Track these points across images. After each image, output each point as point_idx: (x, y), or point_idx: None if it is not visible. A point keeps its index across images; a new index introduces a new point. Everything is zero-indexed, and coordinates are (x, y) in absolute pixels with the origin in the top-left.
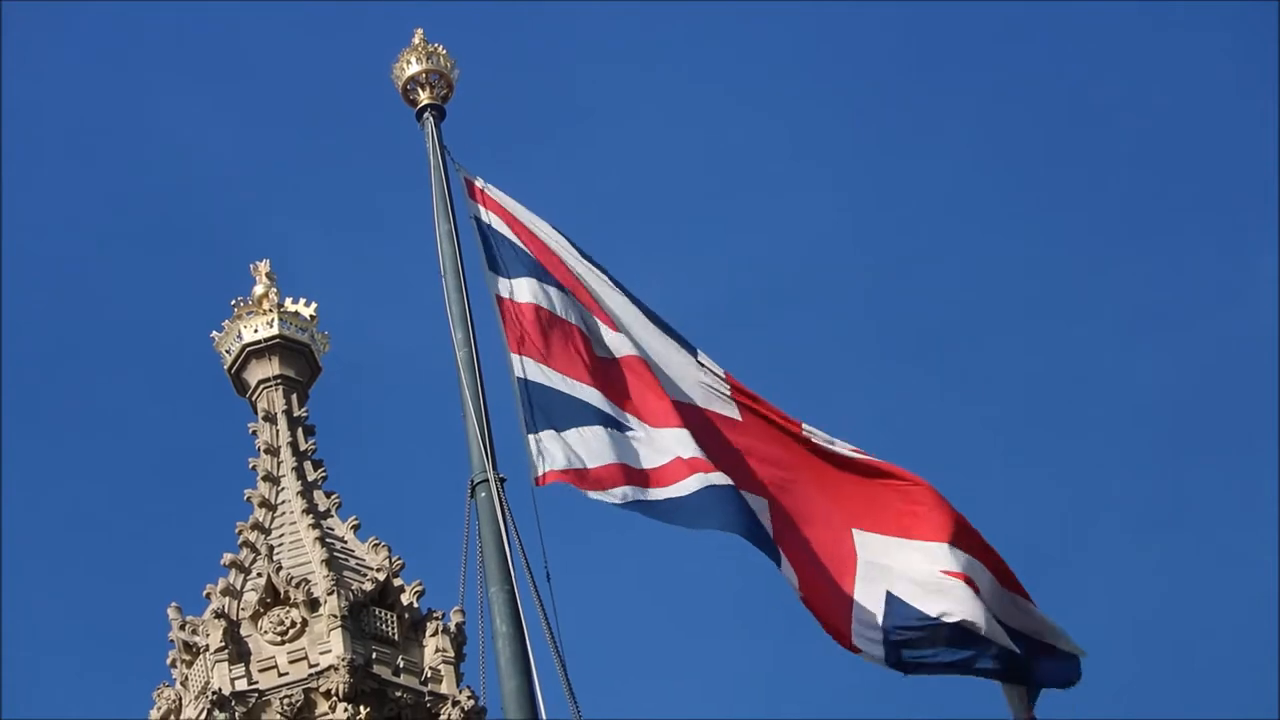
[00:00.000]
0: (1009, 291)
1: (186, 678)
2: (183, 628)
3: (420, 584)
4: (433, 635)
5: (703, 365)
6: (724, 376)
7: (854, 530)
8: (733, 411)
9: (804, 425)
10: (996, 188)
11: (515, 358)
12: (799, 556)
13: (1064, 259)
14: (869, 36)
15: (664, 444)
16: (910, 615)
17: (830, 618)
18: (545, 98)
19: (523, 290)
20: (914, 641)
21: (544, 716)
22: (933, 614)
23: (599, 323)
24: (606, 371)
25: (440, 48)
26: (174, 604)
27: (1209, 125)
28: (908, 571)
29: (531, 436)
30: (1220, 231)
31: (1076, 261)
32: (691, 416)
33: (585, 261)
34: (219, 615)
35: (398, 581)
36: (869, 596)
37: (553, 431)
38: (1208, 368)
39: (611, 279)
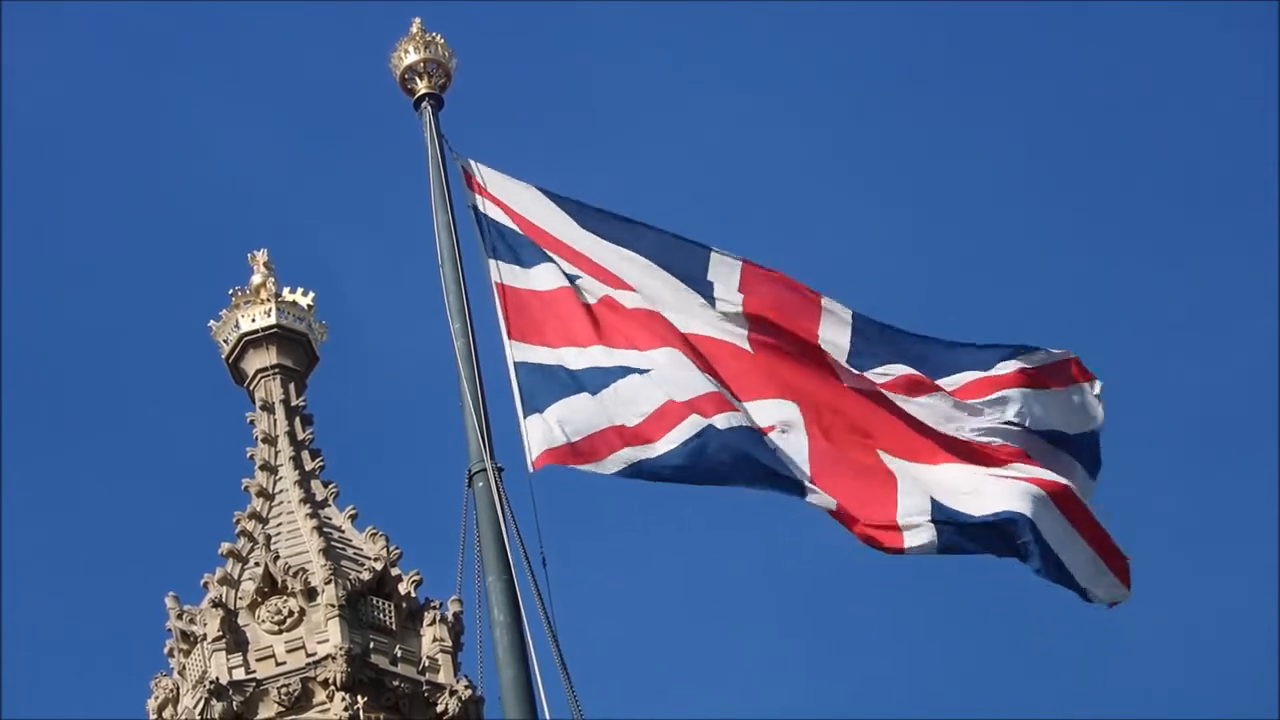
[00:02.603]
0: (1046, 298)
1: (184, 667)
2: (180, 617)
3: (418, 573)
4: (430, 625)
5: (716, 299)
6: (738, 280)
7: (879, 451)
8: (744, 342)
9: (822, 299)
10: (1032, 194)
11: (511, 343)
12: (831, 463)
13: (1099, 266)
14: (882, 37)
15: (677, 383)
16: (954, 514)
17: (874, 517)
18: (545, 88)
19: (520, 275)
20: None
21: (543, 706)
22: (975, 514)
23: (600, 283)
24: (613, 328)
25: (438, 37)
26: (171, 593)
27: (1240, 128)
28: (944, 483)
29: (525, 422)
30: (1255, 237)
31: (1113, 269)
32: (705, 348)
33: (582, 223)
34: (216, 604)
35: (395, 571)
36: (912, 494)
37: (543, 413)
38: (1247, 376)
39: (612, 221)
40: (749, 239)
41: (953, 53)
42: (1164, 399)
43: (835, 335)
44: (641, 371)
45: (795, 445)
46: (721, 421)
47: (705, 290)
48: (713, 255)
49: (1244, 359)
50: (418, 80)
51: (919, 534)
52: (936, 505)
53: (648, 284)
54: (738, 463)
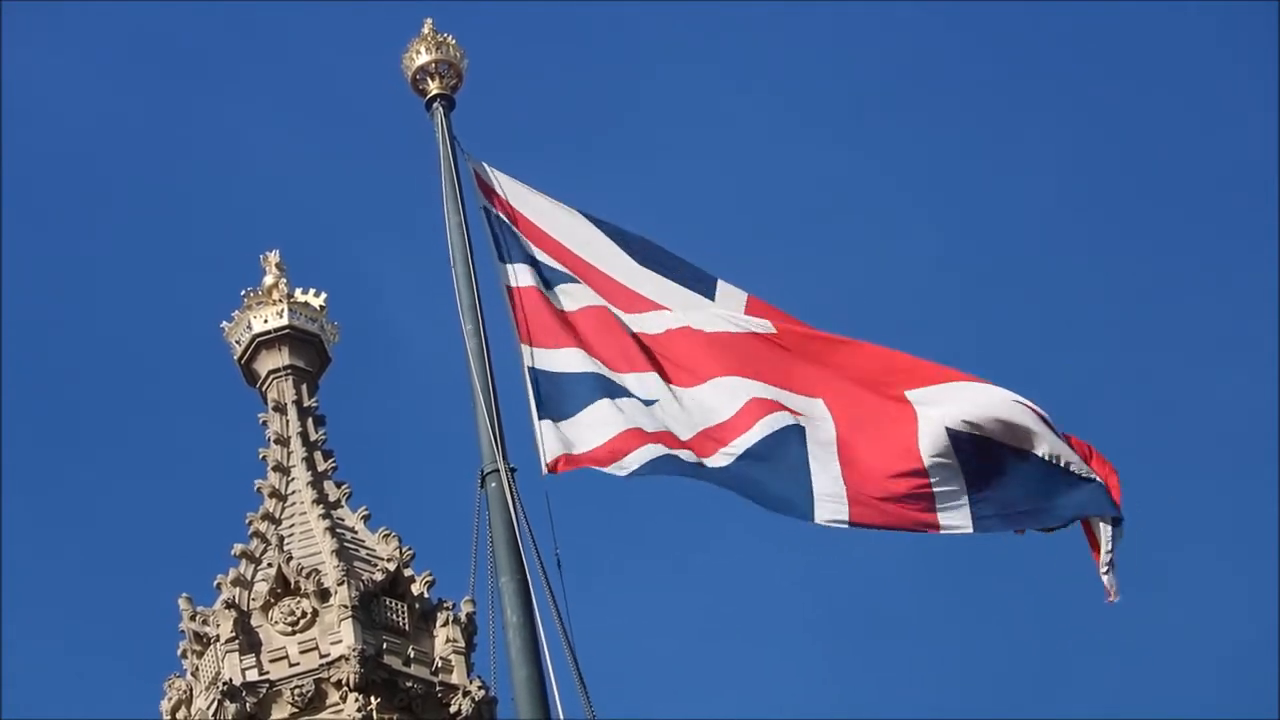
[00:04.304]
0: (1046, 299)
1: (197, 668)
2: (193, 618)
3: (430, 574)
4: (443, 625)
5: (719, 313)
6: (744, 304)
7: (905, 391)
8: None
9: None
10: (1032, 194)
11: (525, 347)
12: (857, 451)
13: (1100, 267)
14: (883, 40)
15: (694, 409)
16: (966, 436)
17: (903, 511)
18: (555, 88)
19: (533, 280)
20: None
21: (556, 706)
22: (984, 425)
23: (621, 309)
24: (625, 346)
25: (450, 38)
26: (185, 595)
27: (1240, 128)
28: (961, 399)
29: (540, 425)
30: (1255, 237)
31: (1113, 269)
32: (729, 343)
33: (594, 231)
34: (230, 606)
35: (408, 572)
36: (932, 445)
37: (562, 419)
38: (1248, 377)
39: (621, 237)
40: (755, 239)
41: (953, 54)
42: (1164, 399)
43: None
44: (646, 401)
45: (824, 435)
46: (722, 457)
47: (709, 294)
48: (719, 284)
49: (1244, 359)
50: (429, 81)
51: (954, 515)
52: (953, 439)
53: (669, 297)
54: (747, 483)
